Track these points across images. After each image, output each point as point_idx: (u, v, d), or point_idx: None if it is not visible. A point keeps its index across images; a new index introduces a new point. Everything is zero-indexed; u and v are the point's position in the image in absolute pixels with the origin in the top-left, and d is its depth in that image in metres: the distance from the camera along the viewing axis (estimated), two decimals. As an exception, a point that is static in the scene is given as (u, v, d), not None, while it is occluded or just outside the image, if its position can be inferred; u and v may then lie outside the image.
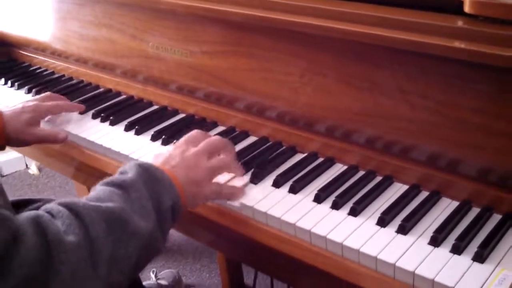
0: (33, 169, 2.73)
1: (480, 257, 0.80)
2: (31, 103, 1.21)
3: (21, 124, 1.16)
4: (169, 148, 0.97)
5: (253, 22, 1.06)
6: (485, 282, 0.76)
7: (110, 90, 1.42)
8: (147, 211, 0.81)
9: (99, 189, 0.83)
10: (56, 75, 1.55)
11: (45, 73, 1.58)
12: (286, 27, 1.01)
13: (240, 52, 1.11)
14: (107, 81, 1.43)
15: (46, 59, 1.60)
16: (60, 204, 0.77)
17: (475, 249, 0.81)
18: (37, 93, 1.44)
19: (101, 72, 1.45)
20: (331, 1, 0.99)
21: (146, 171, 0.85)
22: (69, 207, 0.76)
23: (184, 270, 2.06)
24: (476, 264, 0.80)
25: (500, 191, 0.89)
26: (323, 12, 0.97)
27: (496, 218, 0.88)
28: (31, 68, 1.62)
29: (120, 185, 0.82)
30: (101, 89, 1.44)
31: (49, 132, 1.22)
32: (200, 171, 0.92)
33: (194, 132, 1.01)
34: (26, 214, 0.73)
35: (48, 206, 0.77)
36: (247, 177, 1.03)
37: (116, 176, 0.86)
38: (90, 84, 1.47)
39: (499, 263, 0.80)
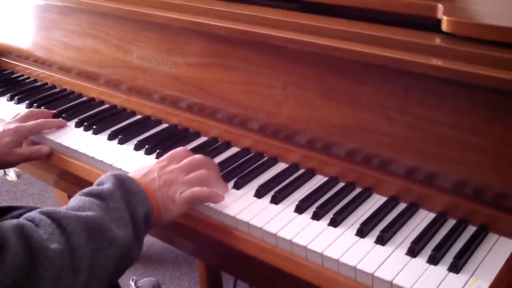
0: (12, 176, 2.73)
1: (455, 267, 0.83)
2: (12, 125, 1.22)
3: (4, 147, 1.17)
4: (152, 162, 1.00)
5: (237, 36, 1.08)
6: (460, 292, 0.79)
7: (93, 99, 1.44)
8: (124, 221, 0.84)
9: (78, 199, 0.86)
10: (39, 83, 1.56)
11: (27, 80, 1.59)
12: (269, 42, 1.04)
13: (224, 65, 1.14)
14: (90, 90, 1.44)
15: (28, 66, 1.61)
16: (42, 213, 0.79)
17: (451, 260, 0.83)
18: (20, 100, 1.45)
19: (84, 81, 1.46)
20: (313, 17, 1.02)
21: (123, 183, 0.89)
22: (51, 216, 0.78)
23: (163, 279, 2.08)
24: (451, 274, 0.82)
25: (475, 204, 0.92)
26: (305, 28, 1.00)
27: (471, 229, 0.91)
28: (13, 76, 1.63)
29: (98, 196, 0.85)
30: (84, 98, 1.45)
31: (32, 150, 1.23)
32: (175, 187, 0.96)
33: (179, 149, 1.05)
34: (9, 222, 0.75)
35: (30, 214, 0.79)
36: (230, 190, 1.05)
37: (94, 187, 0.88)
38: (73, 92, 1.48)
39: (473, 273, 0.82)
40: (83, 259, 0.77)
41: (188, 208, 0.98)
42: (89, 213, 0.81)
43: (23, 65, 1.62)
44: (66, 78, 1.51)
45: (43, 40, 1.50)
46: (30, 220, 0.78)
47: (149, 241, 2.26)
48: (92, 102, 1.42)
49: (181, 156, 1.03)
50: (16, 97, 1.46)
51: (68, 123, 1.32)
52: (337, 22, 0.99)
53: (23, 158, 1.21)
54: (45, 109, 1.36)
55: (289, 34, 1.00)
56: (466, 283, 0.80)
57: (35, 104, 1.42)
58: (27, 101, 1.44)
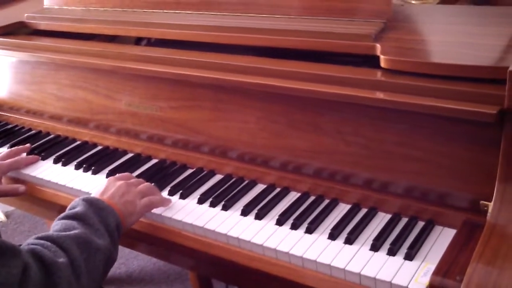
0: (0, 216, 2.85)
1: (409, 256, 1.03)
2: None
3: None
4: (103, 182, 1.24)
5: (213, 82, 1.28)
6: (414, 275, 0.99)
7: (86, 142, 1.60)
8: (101, 232, 1.08)
9: (60, 223, 1.08)
10: (34, 131, 1.71)
11: (22, 130, 1.74)
12: (240, 86, 1.24)
13: (204, 106, 1.33)
14: (83, 134, 1.61)
15: (21, 117, 1.75)
16: (40, 238, 1.02)
17: (406, 250, 1.04)
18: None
19: (76, 126, 1.62)
20: (275, 62, 1.23)
21: (92, 203, 1.12)
22: (48, 238, 1.01)
23: (158, 298, 2.25)
24: (407, 262, 1.02)
25: (422, 204, 1.12)
26: (268, 72, 1.21)
27: (420, 224, 1.11)
28: (9, 126, 1.77)
29: (74, 217, 1.08)
30: (78, 142, 1.61)
31: (10, 187, 1.43)
32: (131, 194, 1.20)
33: (121, 174, 1.30)
34: (22, 249, 0.96)
35: (30, 241, 1.02)
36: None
37: (69, 211, 1.11)
38: (67, 138, 1.64)
39: (424, 259, 1.03)
40: (81, 266, 0.99)
41: (146, 212, 1.23)
42: (75, 231, 1.04)
43: (16, 116, 1.77)
44: (59, 125, 1.66)
45: (36, 94, 1.67)
46: (34, 245, 0.99)
47: (140, 264, 2.43)
48: (86, 145, 1.59)
49: (125, 176, 1.29)
50: (15, 147, 1.61)
51: (68, 166, 1.49)
52: (296, 65, 1.20)
53: (3, 194, 1.39)
54: (21, 146, 1.56)
55: (256, 79, 1.21)
56: (419, 267, 1.00)
57: (35, 151, 1.57)
58: (26, 149, 1.60)
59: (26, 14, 1.70)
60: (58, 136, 1.67)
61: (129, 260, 2.47)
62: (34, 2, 1.86)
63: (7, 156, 1.50)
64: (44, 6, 1.75)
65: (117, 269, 2.40)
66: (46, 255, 0.96)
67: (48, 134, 1.69)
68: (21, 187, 1.43)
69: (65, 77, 1.57)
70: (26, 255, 0.94)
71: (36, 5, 1.79)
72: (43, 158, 1.55)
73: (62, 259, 0.97)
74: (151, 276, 2.35)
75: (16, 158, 1.49)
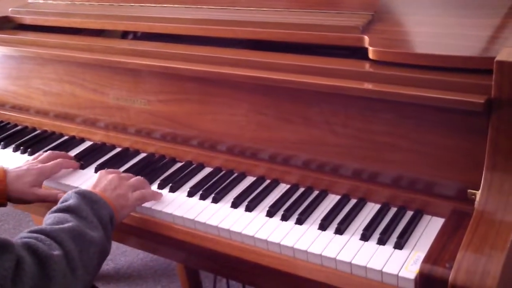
0: (-16, 215, 2.84)
1: (399, 245, 1.04)
2: (36, 166, 1.34)
3: (25, 186, 1.29)
4: (96, 176, 1.24)
5: (201, 75, 1.28)
6: (404, 263, 1.00)
7: (74, 137, 1.60)
8: (95, 225, 1.07)
9: (52, 216, 1.07)
10: (20, 127, 1.71)
11: (8, 126, 1.73)
12: (229, 78, 1.24)
13: (193, 99, 1.34)
14: (70, 129, 1.60)
15: (6, 112, 1.74)
16: (33, 231, 1.01)
17: (395, 239, 1.05)
18: (6, 145, 1.60)
19: (63, 121, 1.62)
20: (264, 54, 1.23)
21: (85, 196, 1.11)
22: (42, 232, 1.01)
23: (146, 293, 2.26)
24: (397, 251, 1.04)
25: (410, 193, 1.14)
26: (259, 64, 1.21)
27: (409, 214, 1.13)
28: (-5, 122, 1.77)
29: (67, 210, 1.08)
30: (66, 137, 1.61)
31: (50, 193, 1.32)
32: (123, 187, 1.20)
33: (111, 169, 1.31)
34: (16, 242, 0.95)
35: (23, 235, 1.01)
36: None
37: (61, 205, 1.10)
38: (54, 133, 1.64)
39: (413, 248, 1.04)
40: (76, 259, 0.99)
41: (138, 206, 1.23)
42: (68, 224, 1.03)
43: (1, 111, 1.75)
44: (45, 120, 1.66)
45: (22, 88, 1.66)
46: (28, 238, 0.98)
47: (128, 260, 2.43)
48: (73, 140, 1.59)
49: (116, 171, 1.29)
50: (2, 143, 1.61)
51: (56, 161, 1.48)
52: (284, 57, 1.20)
53: (40, 199, 1.31)
54: (63, 152, 1.47)
55: (243, 71, 1.21)
56: (408, 256, 1.02)
57: (21, 147, 1.57)
58: (13, 145, 1.59)
59: (10, 9, 1.69)
60: (45, 131, 1.67)
61: (116, 256, 2.47)
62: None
63: (48, 159, 1.40)
64: (29, 1, 1.74)
65: (104, 265, 2.39)
66: (41, 248, 0.95)
67: (34, 129, 1.69)
68: (61, 193, 1.31)
69: (51, 72, 1.56)
70: (20, 249, 0.93)
71: (21, 0, 1.77)
72: (30, 154, 1.54)
73: (57, 252, 0.97)
74: (138, 271, 2.35)
75: (58, 160, 1.39)
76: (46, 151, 1.51)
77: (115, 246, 2.32)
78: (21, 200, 1.31)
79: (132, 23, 1.46)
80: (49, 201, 1.31)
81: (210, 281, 2.15)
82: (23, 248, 0.94)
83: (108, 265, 2.42)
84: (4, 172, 1.29)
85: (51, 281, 0.94)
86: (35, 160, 1.40)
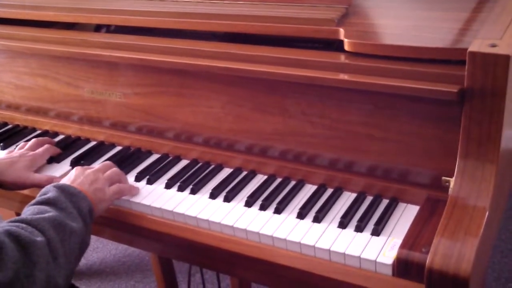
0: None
1: (376, 231, 1.07)
2: (28, 153, 1.37)
3: (21, 171, 1.32)
4: (72, 172, 1.23)
5: (178, 67, 1.29)
6: (381, 249, 1.03)
7: (47, 131, 1.59)
8: (74, 216, 1.08)
9: (31, 208, 1.08)
10: (-10, 122, 1.69)
11: (-22, 121, 1.71)
12: (206, 70, 1.25)
13: (170, 92, 1.34)
14: (43, 123, 1.59)
15: None
16: (13, 221, 1.02)
17: (372, 226, 1.08)
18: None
19: (35, 115, 1.61)
20: (240, 46, 1.25)
21: (64, 189, 1.12)
22: (23, 220, 1.01)
23: (120, 288, 2.25)
24: (374, 237, 1.06)
25: (385, 182, 1.17)
26: (234, 56, 1.22)
27: (385, 202, 1.16)
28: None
29: (47, 202, 1.08)
30: (39, 131, 1.60)
31: (47, 177, 1.34)
32: (100, 182, 1.20)
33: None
34: None
35: (2, 224, 1.00)
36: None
37: (39, 197, 1.11)
38: (26, 127, 1.63)
39: (390, 234, 1.07)
40: (58, 248, 0.99)
41: (116, 199, 1.24)
42: (49, 214, 1.04)
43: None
44: (16, 115, 1.64)
45: (-8, 83, 1.64)
46: (8, 227, 0.98)
47: (100, 256, 2.42)
48: (47, 134, 1.57)
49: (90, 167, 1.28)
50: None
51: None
52: (261, 50, 1.22)
53: (35, 183, 1.33)
54: (48, 138, 1.51)
55: (222, 63, 1.22)
56: (385, 242, 1.05)
57: (-6, 142, 1.55)
58: (-15, 140, 1.57)
59: (-20, 2, 1.67)
60: (17, 126, 1.65)
61: (88, 253, 2.45)
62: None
63: (37, 146, 1.43)
64: (-1, -6, 1.72)
65: (75, 261, 2.38)
66: (23, 234, 0.95)
67: (5, 124, 1.67)
68: (57, 178, 1.34)
69: (23, 65, 1.55)
70: (1, 235, 0.93)
71: (-10, -7, 1.75)
72: (2, 148, 1.53)
73: (39, 238, 0.97)
74: (111, 267, 2.34)
75: (46, 146, 1.42)
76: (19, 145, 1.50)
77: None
78: (16, 186, 1.32)
79: (106, 16, 1.45)
80: (43, 186, 1.29)
81: (184, 275, 2.16)
82: (4, 235, 0.94)
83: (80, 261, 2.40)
84: None
85: (35, 266, 0.94)
86: (24, 149, 1.41)
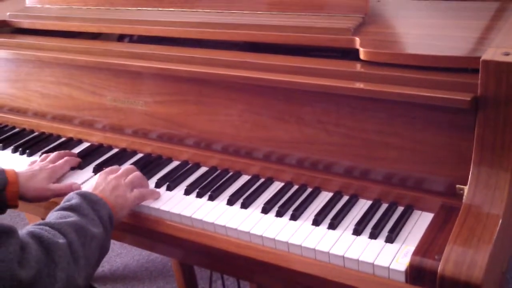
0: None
1: (390, 239, 1.08)
2: (48, 165, 1.40)
3: (42, 183, 1.34)
4: (95, 178, 1.28)
5: (197, 76, 1.31)
6: (395, 256, 1.04)
7: (71, 139, 1.63)
8: (95, 223, 1.13)
9: (55, 213, 1.12)
10: (18, 129, 1.73)
11: (6, 128, 1.75)
12: (224, 79, 1.28)
13: (188, 100, 1.37)
14: (67, 131, 1.63)
15: (3, 115, 1.77)
16: (38, 224, 1.06)
17: (386, 234, 1.09)
18: (4, 147, 1.62)
19: (60, 123, 1.65)
20: (258, 55, 1.27)
21: (86, 196, 1.17)
22: (47, 224, 1.06)
23: (142, 293, 2.29)
24: (388, 244, 1.07)
25: (401, 190, 1.18)
26: (252, 65, 1.25)
27: (399, 209, 1.16)
28: (-9, 125, 1.79)
29: (70, 208, 1.13)
30: (63, 139, 1.64)
31: (66, 186, 1.37)
32: (121, 188, 1.25)
33: (112, 167, 1.34)
34: (21, 232, 1.00)
35: (28, 227, 1.04)
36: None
37: (63, 204, 1.15)
38: (51, 135, 1.67)
39: (404, 242, 1.08)
40: (78, 250, 1.04)
41: (137, 204, 1.27)
42: (71, 219, 1.08)
43: (-1, 114, 1.79)
44: (43, 123, 1.68)
45: (20, 91, 1.69)
46: (32, 229, 1.03)
47: (123, 262, 2.46)
48: (71, 142, 1.61)
49: (115, 169, 1.32)
50: (0, 144, 1.64)
51: (54, 162, 1.51)
52: (279, 59, 1.24)
53: (56, 193, 1.35)
54: (68, 151, 1.53)
55: (240, 72, 1.25)
56: (399, 249, 1.06)
57: (20, 149, 1.59)
58: (12, 147, 1.61)
59: (8, 13, 1.72)
60: (43, 133, 1.69)
61: (112, 258, 2.49)
62: (15, 2, 1.88)
63: (58, 158, 1.45)
64: (26, 5, 1.76)
65: (100, 267, 2.41)
66: (46, 236, 1.00)
67: (32, 131, 1.71)
68: (75, 185, 1.38)
69: (49, 75, 1.59)
70: (25, 237, 0.98)
71: (17, 5, 1.80)
72: (29, 155, 1.57)
73: (61, 240, 1.01)
74: (134, 273, 2.38)
75: (66, 158, 1.45)
76: (44, 152, 1.55)
77: (110, 248, 2.35)
78: (37, 198, 1.35)
79: (129, 27, 1.49)
80: (65, 194, 1.31)
81: (205, 282, 2.18)
82: (28, 236, 0.99)
83: (103, 266, 2.44)
84: (16, 174, 1.32)
85: (57, 266, 0.99)
86: (45, 161, 1.44)
